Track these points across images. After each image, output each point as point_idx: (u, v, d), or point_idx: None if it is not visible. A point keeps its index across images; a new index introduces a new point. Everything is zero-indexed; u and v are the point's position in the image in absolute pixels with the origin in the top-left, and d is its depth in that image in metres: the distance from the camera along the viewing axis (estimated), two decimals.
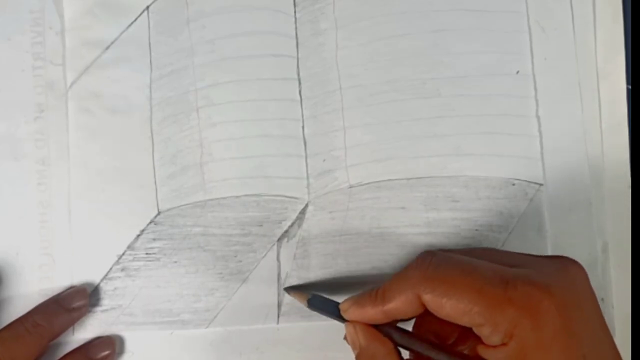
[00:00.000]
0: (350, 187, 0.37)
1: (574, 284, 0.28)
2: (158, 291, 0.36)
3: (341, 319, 0.32)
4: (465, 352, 0.30)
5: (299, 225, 0.37)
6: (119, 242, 0.36)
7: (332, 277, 0.37)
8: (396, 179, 0.37)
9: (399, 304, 0.29)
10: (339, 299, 0.37)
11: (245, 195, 0.36)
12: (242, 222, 0.37)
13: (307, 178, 0.37)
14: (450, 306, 0.27)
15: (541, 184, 0.37)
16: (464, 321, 0.27)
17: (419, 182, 0.37)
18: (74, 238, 0.36)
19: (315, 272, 0.37)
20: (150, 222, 0.36)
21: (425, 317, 0.30)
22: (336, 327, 0.36)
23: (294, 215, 0.37)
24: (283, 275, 0.37)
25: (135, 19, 0.37)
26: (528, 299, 0.26)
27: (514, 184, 0.37)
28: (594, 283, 0.30)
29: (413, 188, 0.37)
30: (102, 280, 0.36)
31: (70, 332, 0.36)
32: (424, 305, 0.28)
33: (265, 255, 0.37)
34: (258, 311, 0.36)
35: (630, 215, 0.37)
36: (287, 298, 0.37)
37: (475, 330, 0.28)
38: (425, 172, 0.37)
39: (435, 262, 0.28)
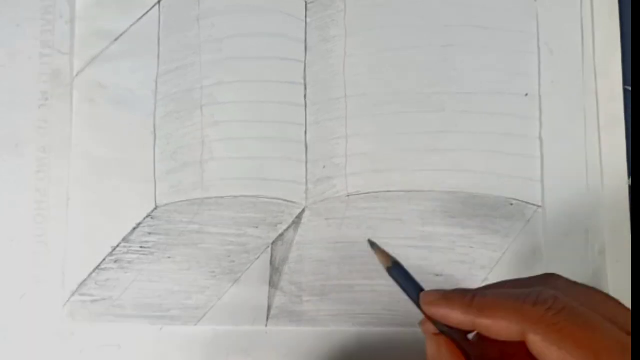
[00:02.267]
0: (348, 195, 0.37)
1: None
2: (149, 285, 0.36)
3: (414, 301, 0.30)
4: None
5: (295, 230, 0.37)
6: (114, 234, 0.36)
7: (324, 284, 0.37)
8: (394, 191, 0.37)
9: (496, 327, 0.26)
10: (329, 304, 0.37)
11: (243, 196, 0.37)
12: (238, 223, 0.37)
13: (306, 183, 0.37)
14: (557, 357, 0.25)
15: (539, 206, 0.37)
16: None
17: (417, 195, 0.37)
18: (70, 227, 0.36)
19: (307, 278, 0.37)
20: (147, 216, 0.36)
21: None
22: (325, 335, 0.37)
23: (290, 220, 0.37)
24: (275, 279, 0.37)
25: (146, 13, 0.37)
26: None
27: (512, 204, 0.37)
28: None
29: (411, 201, 0.37)
30: (94, 271, 0.36)
31: (57, 320, 0.36)
32: (522, 340, 0.26)
33: (258, 257, 0.37)
34: (247, 312, 0.37)
35: (629, 241, 0.37)
36: (277, 301, 0.37)
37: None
38: (424, 186, 0.37)
39: (556, 307, 0.26)
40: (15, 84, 0.36)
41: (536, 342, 0.25)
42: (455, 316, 0.28)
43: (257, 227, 0.37)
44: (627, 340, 0.26)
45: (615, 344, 0.25)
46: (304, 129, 0.37)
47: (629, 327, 0.26)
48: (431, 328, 0.29)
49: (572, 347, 0.25)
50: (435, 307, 0.29)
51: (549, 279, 0.28)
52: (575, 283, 0.28)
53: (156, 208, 0.36)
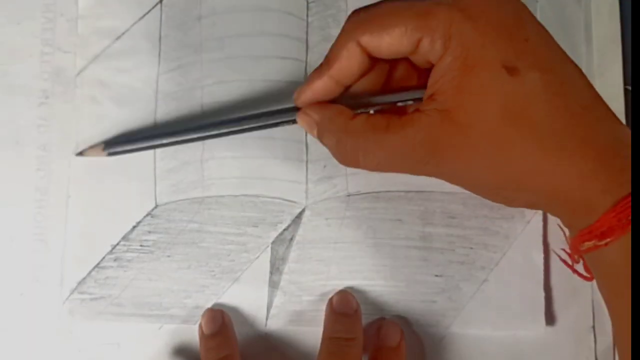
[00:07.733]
0: (349, 195, 0.37)
1: None
2: (149, 284, 0.36)
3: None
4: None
5: (295, 229, 0.37)
6: (114, 232, 0.36)
7: (324, 284, 0.37)
8: (395, 191, 0.37)
9: (343, 62, 0.29)
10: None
11: (243, 195, 0.37)
12: (238, 222, 0.37)
13: (306, 183, 0.37)
14: (388, 36, 0.28)
15: None
16: (405, 45, 0.28)
17: (417, 195, 0.37)
18: (69, 225, 0.36)
19: (307, 277, 0.37)
20: (147, 215, 0.36)
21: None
22: None
23: (290, 219, 0.37)
24: (275, 279, 0.37)
25: (148, 11, 0.37)
26: None
27: None
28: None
29: (411, 201, 0.37)
30: (93, 269, 0.36)
31: (57, 319, 0.36)
32: (367, 53, 0.29)
33: (258, 256, 0.37)
34: (247, 312, 0.36)
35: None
36: (277, 301, 0.37)
37: (417, 56, 0.28)
38: (424, 186, 0.37)
39: (362, 9, 0.29)
40: (15, 82, 0.36)
41: (367, 41, 0.28)
42: (318, 85, 0.30)
43: (257, 226, 0.37)
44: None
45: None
46: None
47: None
48: (302, 99, 0.31)
49: (390, 21, 0.28)
50: (303, 94, 0.31)
51: None
52: None
53: (156, 206, 0.36)
